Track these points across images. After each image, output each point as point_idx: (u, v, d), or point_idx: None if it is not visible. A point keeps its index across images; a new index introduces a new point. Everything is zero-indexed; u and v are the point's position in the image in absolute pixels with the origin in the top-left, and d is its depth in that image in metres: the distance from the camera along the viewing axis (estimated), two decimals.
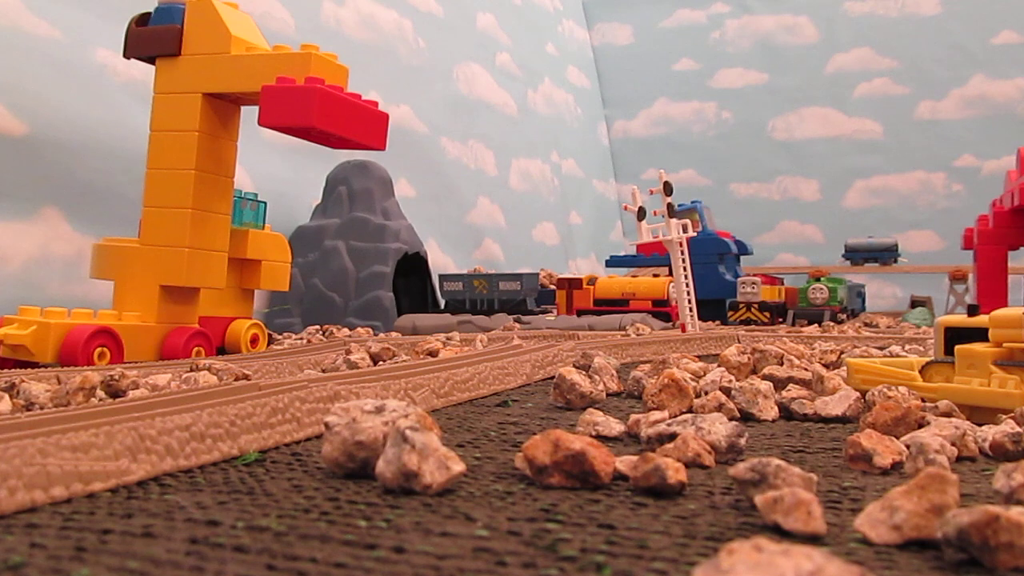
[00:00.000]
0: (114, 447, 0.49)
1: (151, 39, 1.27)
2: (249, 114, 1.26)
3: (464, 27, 3.62)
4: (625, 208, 1.92)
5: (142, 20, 1.29)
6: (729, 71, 4.82)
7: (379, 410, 0.50)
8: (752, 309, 2.41)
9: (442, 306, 2.32)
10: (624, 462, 0.48)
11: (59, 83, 1.77)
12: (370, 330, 1.87)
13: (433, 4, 3.39)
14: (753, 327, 2.25)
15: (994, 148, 4.12)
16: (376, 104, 1.24)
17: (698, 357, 1.12)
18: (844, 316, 2.72)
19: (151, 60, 1.28)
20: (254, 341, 1.45)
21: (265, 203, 1.53)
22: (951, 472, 0.47)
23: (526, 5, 4.23)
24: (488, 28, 3.82)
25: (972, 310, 0.81)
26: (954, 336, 0.81)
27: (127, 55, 1.29)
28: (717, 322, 2.51)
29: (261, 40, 1.28)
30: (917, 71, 4.48)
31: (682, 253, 1.79)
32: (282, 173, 2.30)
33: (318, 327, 1.89)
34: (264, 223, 1.53)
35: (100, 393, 0.77)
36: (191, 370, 0.91)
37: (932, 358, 0.81)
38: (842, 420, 0.73)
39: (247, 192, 1.50)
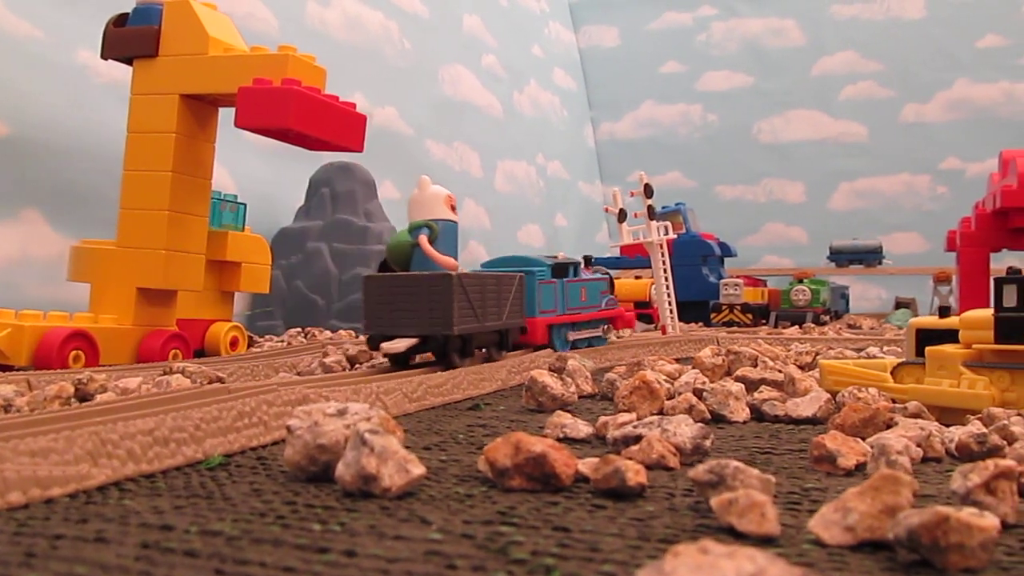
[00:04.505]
0: (74, 452, 0.48)
1: (128, 40, 1.26)
2: (230, 116, 1.26)
3: (450, 29, 3.62)
4: (606, 210, 1.92)
5: (120, 21, 1.29)
6: (715, 74, 4.83)
7: (341, 413, 0.50)
8: (735, 311, 2.41)
9: None
10: (587, 464, 0.48)
11: (40, 84, 1.76)
12: (352, 332, 1.87)
13: (419, 6, 3.38)
14: (735, 329, 2.25)
15: (978, 151, 4.14)
16: (354, 106, 1.24)
17: (676, 359, 1.12)
18: (827, 318, 2.72)
19: (128, 61, 1.28)
20: (234, 343, 1.45)
21: (245, 205, 1.53)
22: (909, 473, 0.48)
23: (512, 7, 4.23)
24: (474, 30, 3.82)
25: (943, 312, 0.81)
26: (926, 338, 0.81)
27: (104, 56, 1.29)
28: (700, 324, 2.51)
29: (239, 41, 1.27)
30: (902, 74, 4.49)
31: (663, 255, 1.79)
32: (265, 175, 2.30)
33: (300, 329, 1.89)
34: (244, 225, 1.52)
35: (72, 399, 0.77)
36: (164, 373, 0.91)
37: (903, 359, 0.82)
38: (812, 421, 0.73)
39: (227, 194, 1.49)
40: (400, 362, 1.00)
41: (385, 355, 0.98)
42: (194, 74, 1.22)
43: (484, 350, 1.09)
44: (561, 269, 1.33)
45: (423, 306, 0.96)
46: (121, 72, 1.32)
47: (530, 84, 4.27)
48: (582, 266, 1.43)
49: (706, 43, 4.87)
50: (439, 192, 1.09)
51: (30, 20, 1.78)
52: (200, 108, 1.26)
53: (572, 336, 1.35)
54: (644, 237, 1.79)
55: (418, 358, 1.05)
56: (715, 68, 4.83)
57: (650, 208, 1.80)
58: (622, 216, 1.81)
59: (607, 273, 1.55)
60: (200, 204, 1.28)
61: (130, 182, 1.24)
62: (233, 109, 1.18)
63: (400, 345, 0.95)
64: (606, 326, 1.45)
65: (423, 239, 1.04)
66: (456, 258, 1.06)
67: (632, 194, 1.84)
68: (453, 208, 1.09)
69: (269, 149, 2.14)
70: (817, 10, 4.68)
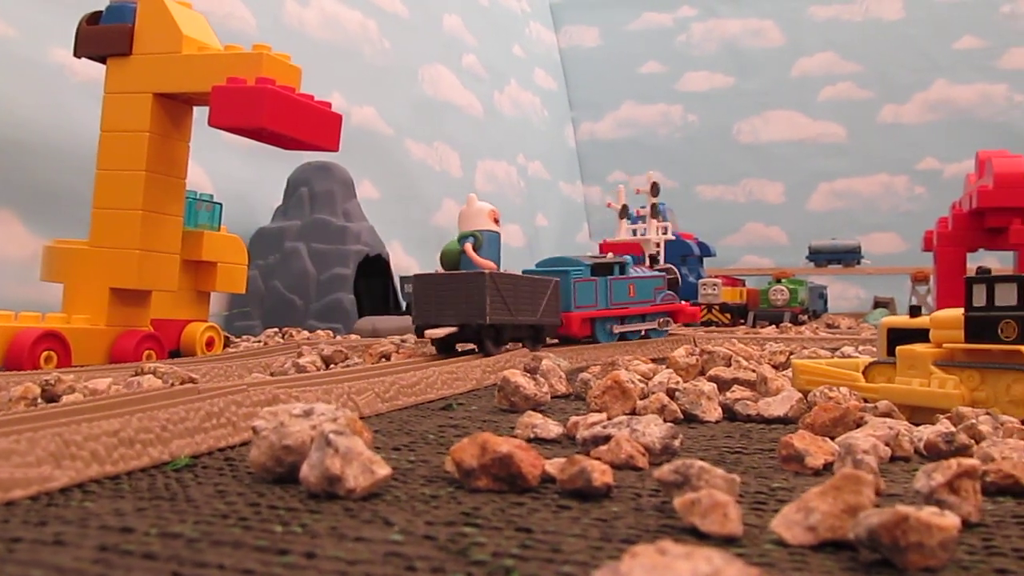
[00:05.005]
0: (36, 453, 0.48)
1: (102, 38, 1.25)
2: (206, 115, 1.25)
3: (430, 28, 3.61)
4: (609, 205, 1.95)
5: (93, 19, 1.28)
6: (695, 74, 4.85)
7: (307, 414, 0.50)
8: (713, 310, 2.42)
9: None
10: (554, 464, 0.48)
11: (14, 82, 1.74)
12: (330, 332, 1.86)
13: (398, 5, 3.37)
14: (713, 328, 2.26)
15: (955, 151, 4.17)
16: (329, 105, 1.23)
17: (652, 359, 1.13)
18: (805, 317, 2.74)
19: (102, 59, 1.27)
20: (210, 344, 1.44)
21: (221, 204, 1.52)
22: (875, 473, 0.48)
23: (493, 7, 4.23)
24: (454, 29, 3.81)
25: (914, 311, 0.82)
26: (897, 337, 0.82)
27: (77, 54, 1.27)
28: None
29: (214, 40, 1.27)
30: (880, 75, 4.53)
31: (657, 255, 1.82)
32: (243, 174, 2.29)
33: (277, 329, 1.88)
34: (220, 225, 1.52)
35: (39, 400, 0.76)
36: (135, 374, 0.90)
37: (875, 359, 0.82)
38: (783, 421, 0.73)
39: (202, 193, 1.49)
40: (445, 349, 1.17)
41: (430, 340, 1.14)
42: (168, 73, 1.21)
43: (521, 343, 1.27)
44: (605, 268, 1.49)
45: (461, 299, 1.12)
46: (97, 70, 1.30)
47: (511, 84, 4.27)
48: (631, 264, 1.59)
49: (686, 44, 4.89)
50: (484, 207, 1.27)
51: (3, 18, 1.77)
52: (174, 107, 1.25)
53: (618, 329, 1.51)
54: (642, 235, 1.83)
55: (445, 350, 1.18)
56: (695, 68, 4.85)
57: (653, 206, 1.84)
58: (624, 212, 1.85)
59: (670, 270, 1.68)
60: (174, 203, 1.27)
61: (103, 181, 1.23)
62: (208, 108, 1.17)
63: (440, 332, 1.11)
64: (663, 319, 1.60)
65: (468, 247, 1.21)
66: (498, 263, 1.24)
67: (638, 191, 1.88)
68: (496, 221, 1.27)
69: (247, 149, 2.13)
70: (796, 11, 4.70)
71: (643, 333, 1.55)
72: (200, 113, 1.29)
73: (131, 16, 1.24)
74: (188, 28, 1.22)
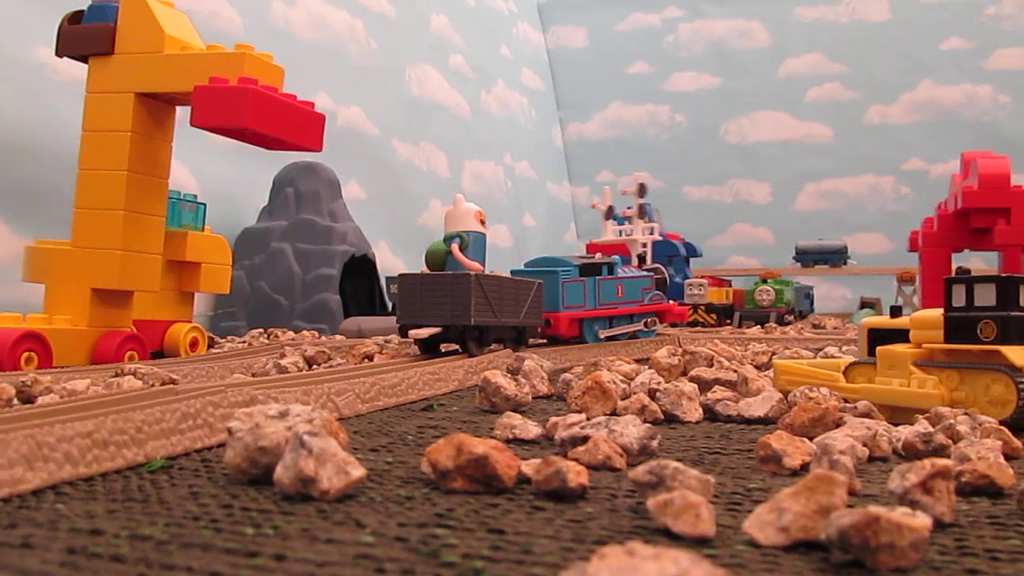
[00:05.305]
0: (8, 455, 0.47)
1: (83, 37, 1.25)
2: (188, 114, 1.24)
3: (417, 28, 3.61)
4: (593, 206, 1.95)
5: (75, 18, 1.27)
6: (682, 75, 4.85)
7: (283, 415, 0.50)
8: (699, 311, 2.42)
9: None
10: (530, 465, 0.48)
11: None
12: (316, 333, 1.86)
13: (385, 5, 3.37)
14: (699, 328, 2.26)
15: (942, 152, 4.19)
16: (312, 105, 1.23)
17: (636, 360, 1.13)
18: (791, 317, 2.74)
19: (84, 59, 1.26)
20: (193, 344, 1.43)
21: (205, 205, 1.51)
22: (850, 473, 0.48)
23: (480, 7, 4.23)
24: (441, 30, 3.81)
25: (894, 311, 0.82)
26: (878, 337, 0.82)
27: (59, 54, 1.27)
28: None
29: (196, 39, 1.26)
30: (867, 76, 4.54)
31: (644, 255, 1.82)
32: (228, 174, 2.28)
33: (262, 330, 1.87)
34: (204, 225, 1.51)
35: (15, 401, 0.76)
36: (116, 375, 0.89)
37: (855, 359, 0.82)
38: (764, 421, 0.73)
39: (186, 194, 1.48)
40: (428, 350, 1.16)
41: (414, 340, 1.14)
42: (150, 72, 1.20)
43: (503, 344, 1.25)
44: (593, 268, 1.48)
45: (447, 300, 1.12)
46: (80, 69, 1.30)
47: (498, 84, 4.27)
48: (620, 265, 1.58)
49: (673, 44, 4.89)
50: (470, 208, 1.27)
51: None
52: (156, 107, 1.24)
53: (606, 333, 1.50)
54: (627, 235, 1.83)
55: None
56: (682, 69, 4.86)
57: (640, 207, 1.84)
58: (609, 213, 1.84)
59: (658, 270, 1.68)
60: (157, 203, 1.26)
61: (85, 181, 1.23)
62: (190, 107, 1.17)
63: (424, 332, 1.11)
64: (651, 319, 1.59)
65: (455, 247, 1.22)
66: (484, 264, 1.24)
67: (624, 192, 1.88)
68: (483, 222, 1.27)
69: (232, 149, 2.12)
70: (782, 12, 4.72)
71: (630, 334, 1.55)
72: (183, 113, 1.28)
73: (113, 15, 1.23)
74: (170, 27, 1.22)
